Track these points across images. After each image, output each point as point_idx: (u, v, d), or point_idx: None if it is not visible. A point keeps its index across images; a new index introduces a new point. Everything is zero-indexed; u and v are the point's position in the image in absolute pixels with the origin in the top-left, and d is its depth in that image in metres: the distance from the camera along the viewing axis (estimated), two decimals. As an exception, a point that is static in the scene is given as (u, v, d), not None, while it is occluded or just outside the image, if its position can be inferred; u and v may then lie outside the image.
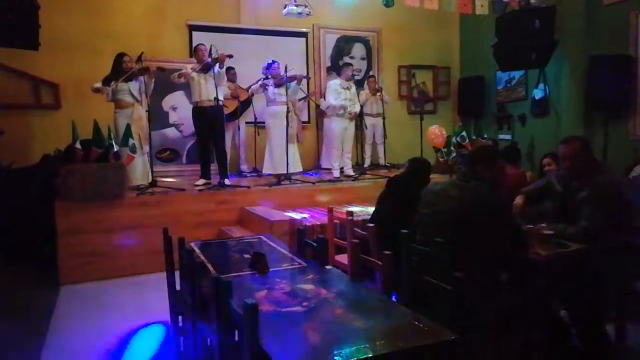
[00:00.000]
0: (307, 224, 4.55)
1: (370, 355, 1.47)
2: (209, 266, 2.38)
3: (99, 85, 5.29)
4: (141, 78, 5.37)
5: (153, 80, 5.47)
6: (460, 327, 1.73)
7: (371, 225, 2.96)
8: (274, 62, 6.29)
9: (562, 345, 2.74)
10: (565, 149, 2.91)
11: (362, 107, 6.62)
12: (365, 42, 8.31)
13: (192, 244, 2.80)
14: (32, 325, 3.59)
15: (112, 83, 5.31)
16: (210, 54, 5.47)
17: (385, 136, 7.17)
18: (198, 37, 6.76)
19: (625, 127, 6.02)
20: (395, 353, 1.51)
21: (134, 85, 5.39)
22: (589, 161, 2.88)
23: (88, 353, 3.12)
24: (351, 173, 6.55)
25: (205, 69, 5.54)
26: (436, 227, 2.45)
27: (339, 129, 6.47)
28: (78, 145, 4.80)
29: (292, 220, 4.56)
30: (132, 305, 3.97)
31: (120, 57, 5.39)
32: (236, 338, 1.87)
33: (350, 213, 3.41)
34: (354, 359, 1.45)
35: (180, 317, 2.76)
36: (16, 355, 3.14)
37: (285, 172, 5.97)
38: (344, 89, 6.46)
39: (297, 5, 6.38)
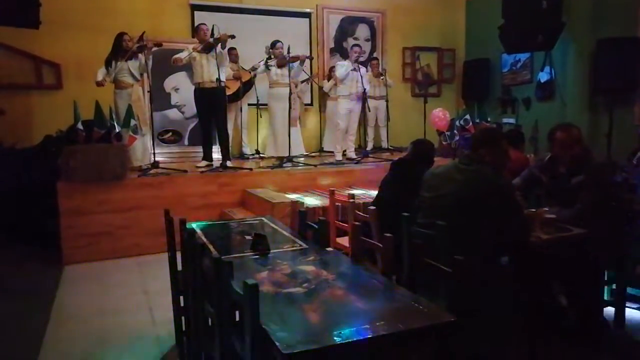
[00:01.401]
0: (309, 206, 4.56)
1: (370, 336, 1.48)
2: (211, 247, 2.39)
3: (100, 78, 5.24)
4: (140, 56, 5.33)
5: (151, 57, 5.41)
6: (460, 310, 1.73)
7: (372, 207, 2.96)
8: (277, 42, 6.22)
9: (561, 329, 2.76)
10: (566, 135, 2.89)
11: (365, 89, 6.58)
12: (369, 23, 8.21)
13: (194, 225, 2.81)
14: (36, 305, 3.62)
15: (113, 64, 5.28)
16: (212, 34, 5.41)
17: (388, 119, 7.14)
18: (200, 17, 6.69)
19: (631, 112, 5.96)
20: (395, 334, 1.51)
21: (133, 65, 5.35)
22: (586, 147, 2.88)
23: (91, 331, 3.15)
24: (354, 156, 6.53)
25: (207, 49, 5.48)
26: (438, 211, 2.45)
27: (344, 110, 6.43)
28: (80, 126, 4.79)
29: (294, 202, 4.56)
30: (134, 285, 4.01)
31: (120, 36, 5.35)
32: (237, 318, 1.88)
33: (352, 196, 3.41)
34: (353, 339, 1.45)
35: (182, 297, 2.78)
36: (20, 335, 3.18)
37: (288, 154, 5.96)
38: (352, 70, 6.39)
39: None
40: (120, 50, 5.30)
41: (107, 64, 5.30)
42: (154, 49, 5.38)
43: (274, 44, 6.23)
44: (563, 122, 3.30)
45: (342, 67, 6.38)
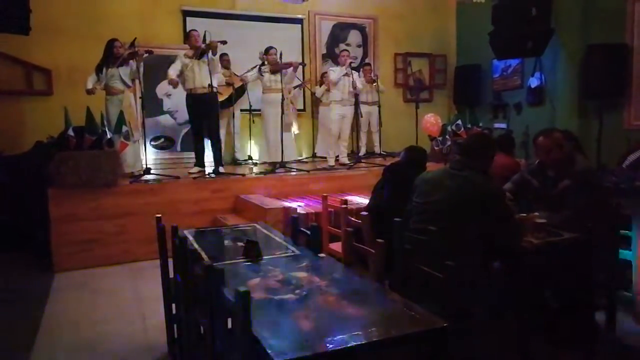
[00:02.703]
0: (302, 212, 4.55)
1: (363, 342, 1.48)
2: (202, 254, 2.38)
3: (90, 86, 5.22)
4: (132, 63, 5.31)
5: (142, 64, 5.39)
6: (452, 315, 1.74)
7: (365, 213, 2.97)
8: (271, 48, 6.23)
9: (552, 334, 2.77)
10: (548, 140, 2.92)
11: (357, 95, 6.59)
12: (361, 29, 8.25)
13: (186, 232, 2.79)
14: (26, 313, 3.59)
15: (104, 70, 5.26)
16: (203, 40, 5.41)
17: (380, 124, 7.16)
18: (192, 23, 6.68)
19: (620, 117, 6.03)
20: (387, 340, 1.51)
21: (124, 71, 5.33)
22: (569, 151, 2.90)
23: (82, 339, 3.12)
24: (346, 161, 6.54)
25: (199, 55, 5.47)
26: (430, 216, 2.45)
27: (336, 116, 6.45)
28: (71, 132, 4.77)
29: (287, 208, 4.57)
30: (126, 292, 3.98)
31: (111, 42, 5.33)
32: (229, 325, 1.87)
33: (345, 201, 3.41)
34: (345, 346, 1.45)
35: (173, 305, 2.76)
36: (10, 343, 3.14)
37: (280, 160, 5.96)
38: (344, 75, 6.41)
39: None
40: (111, 56, 5.28)
41: (98, 70, 5.28)
42: (145, 55, 5.37)
43: (267, 50, 6.24)
44: (546, 127, 3.32)
45: (334, 72, 6.41)
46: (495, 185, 2.57)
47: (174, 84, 5.40)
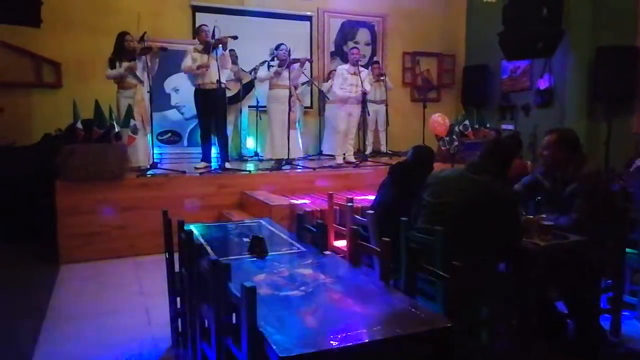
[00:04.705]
0: (307, 209, 4.56)
1: (366, 341, 1.48)
2: (208, 249, 2.39)
3: (113, 72, 5.25)
4: (144, 58, 5.32)
5: (157, 60, 5.41)
6: (457, 315, 1.73)
7: (371, 211, 2.96)
8: (281, 44, 6.23)
9: (557, 336, 2.76)
10: (546, 139, 2.92)
11: (365, 94, 6.56)
12: (370, 27, 8.23)
13: (192, 227, 2.80)
14: (31, 304, 3.61)
15: (117, 65, 5.27)
16: (213, 36, 5.41)
17: (387, 123, 7.14)
18: (201, 18, 6.70)
19: (629, 120, 5.99)
20: (392, 339, 1.51)
21: (137, 66, 5.34)
22: (571, 152, 2.86)
23: (87, 331, 3.14)
24: (352, 160, 6.53)
25: (208, 50, 5.48)
26: (442, 218, 2.44)
27: (343, 114, 6.44)
28: (79, 125, 4.79)
29: (292, 205, 4.57)
30: (131, 285, 4.00)
31: (122, 36, 5.33)
32: (234, 320, 1.88)
33: (350, 199, 3.41)
34: (350, 343, 1.45)
35: (178, 299, 2.77)
36: (15, 334, 3.17)
37: (287, 157, 5.96)
38: (351, 74, 6.38)
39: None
40: (123, 50, 5.29)
41: (112, 65, 5.29)
42: (160, 52, 5.36)
43: (278, 47, 6.23)
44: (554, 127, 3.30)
45: (340, 75, 6.36)
46: (512, 191, 2.57)
47: (204, 69, 5.43)
